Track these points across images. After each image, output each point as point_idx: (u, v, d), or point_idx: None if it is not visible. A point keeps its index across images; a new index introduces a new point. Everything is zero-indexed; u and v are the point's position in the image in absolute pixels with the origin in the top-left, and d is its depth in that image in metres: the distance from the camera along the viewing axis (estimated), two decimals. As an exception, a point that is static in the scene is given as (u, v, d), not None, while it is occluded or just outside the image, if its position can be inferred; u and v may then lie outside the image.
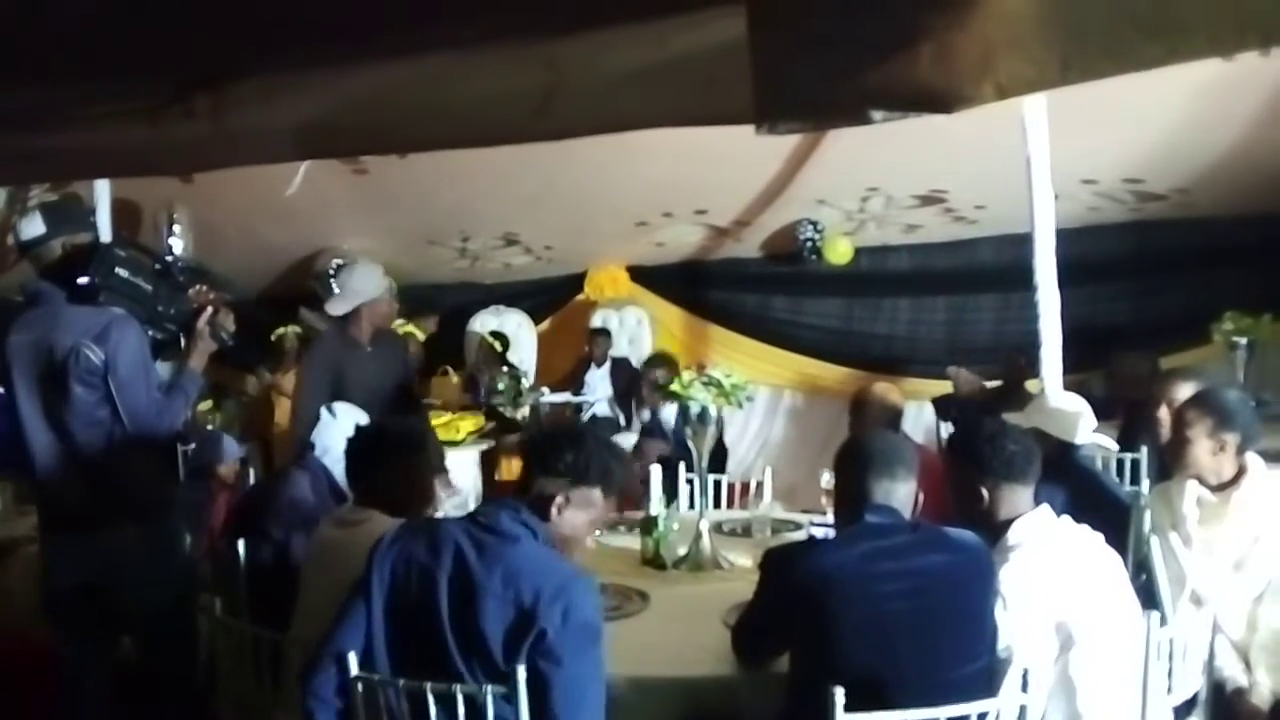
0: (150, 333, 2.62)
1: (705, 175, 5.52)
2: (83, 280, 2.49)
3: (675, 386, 2.85)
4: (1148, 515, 2.69)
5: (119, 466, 2.48)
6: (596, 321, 7.32)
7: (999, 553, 2.00)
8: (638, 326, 7.46)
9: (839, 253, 6.67)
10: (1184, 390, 3.12)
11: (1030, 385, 4.66)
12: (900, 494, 1.95)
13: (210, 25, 1.50)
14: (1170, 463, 2.67)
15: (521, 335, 7.35)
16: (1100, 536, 2.13)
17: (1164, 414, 3.21)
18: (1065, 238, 3.69)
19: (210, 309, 2.70)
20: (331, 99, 1.50)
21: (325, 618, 2.02)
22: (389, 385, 3.77)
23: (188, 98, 1.51)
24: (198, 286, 2.72)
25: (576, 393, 6.92)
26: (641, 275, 7.45)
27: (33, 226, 2.58)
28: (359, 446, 2.37)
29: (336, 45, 1.45)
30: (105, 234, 3.80)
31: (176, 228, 5.05)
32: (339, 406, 2.88)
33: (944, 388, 6.12)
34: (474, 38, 1.35)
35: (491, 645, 1.71)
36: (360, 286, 3.79)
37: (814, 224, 6.52)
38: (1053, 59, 1.03)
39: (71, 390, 2.45)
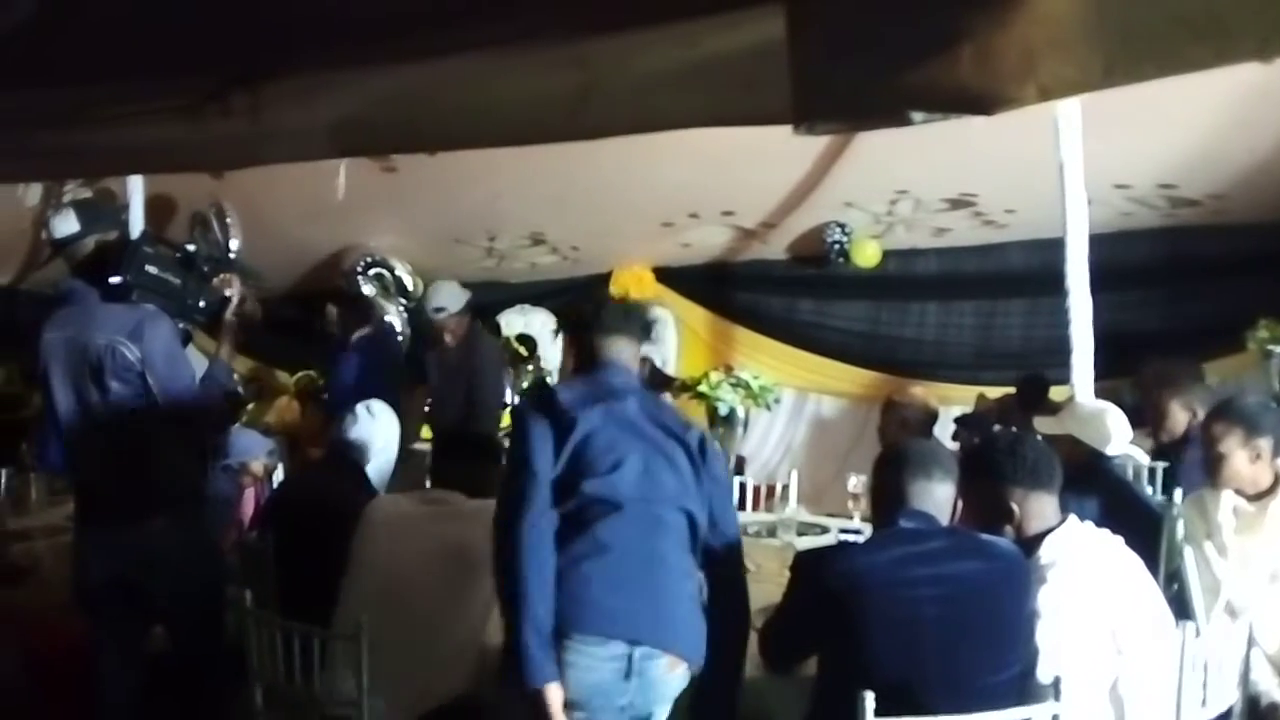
0: (180, 325, 2.65)
1: (732, 177, 5.51)
2: (115, 279, 2.53)
3: (703, 387, 2.84)
4: (1180, 525, 2.66)
5: (153, 459, 2.51)
6: (621, 322, 7.32)
7: (1033, 571, 1.96)
8: (663, 327, 7.45)
9: (866, 256, 6.63)
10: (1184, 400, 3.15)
11: (1057, 392, 4.61)
12: (937, 496, 1.93)
13: (247, 24, 1.51)
14: (1210, 480, 2.63)
15: (546, 335, 7.36)
16: (1120, 539, 2.10)
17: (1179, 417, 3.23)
18: (1097, 243, 3.66)
19: (237, 299, 2.73)
20: (367, 97, 1.50)
21: (420, 580, 2.19)
22: (459, 381, 4.46)
23: (225, 95, 1.52)
24: (222, 275, 2.76)
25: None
26: (667, 276, 7.44)
27: (66, 224, 2.62)
28: (443, 447, 2.80)
29: (371, 44, 1.46)
30: (137, 229, 3.86)
31: (229, 220, 5.19)
32: (375, 405, 2.90)
33: (971, 392, 6.07)
34: (509, 37, 1.35)
35: None
36: (441, 302, 4.67)
37: (842, 226, 6.49)
38: (1096, 60, 1.01)
39: (109, 386, 2.48)
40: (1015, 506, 2.04)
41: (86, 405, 2.53)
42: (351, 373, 5.33)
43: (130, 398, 2.50)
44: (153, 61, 1.61)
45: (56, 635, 3.04)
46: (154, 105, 1.64)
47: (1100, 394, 3.46)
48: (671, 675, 1.91)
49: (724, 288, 7.39)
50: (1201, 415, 3.31)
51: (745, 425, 3.00)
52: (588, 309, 2.21)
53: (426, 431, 6.63)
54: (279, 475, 4.20)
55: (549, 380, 6.37)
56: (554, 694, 1.78)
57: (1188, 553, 2.52)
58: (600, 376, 2.07)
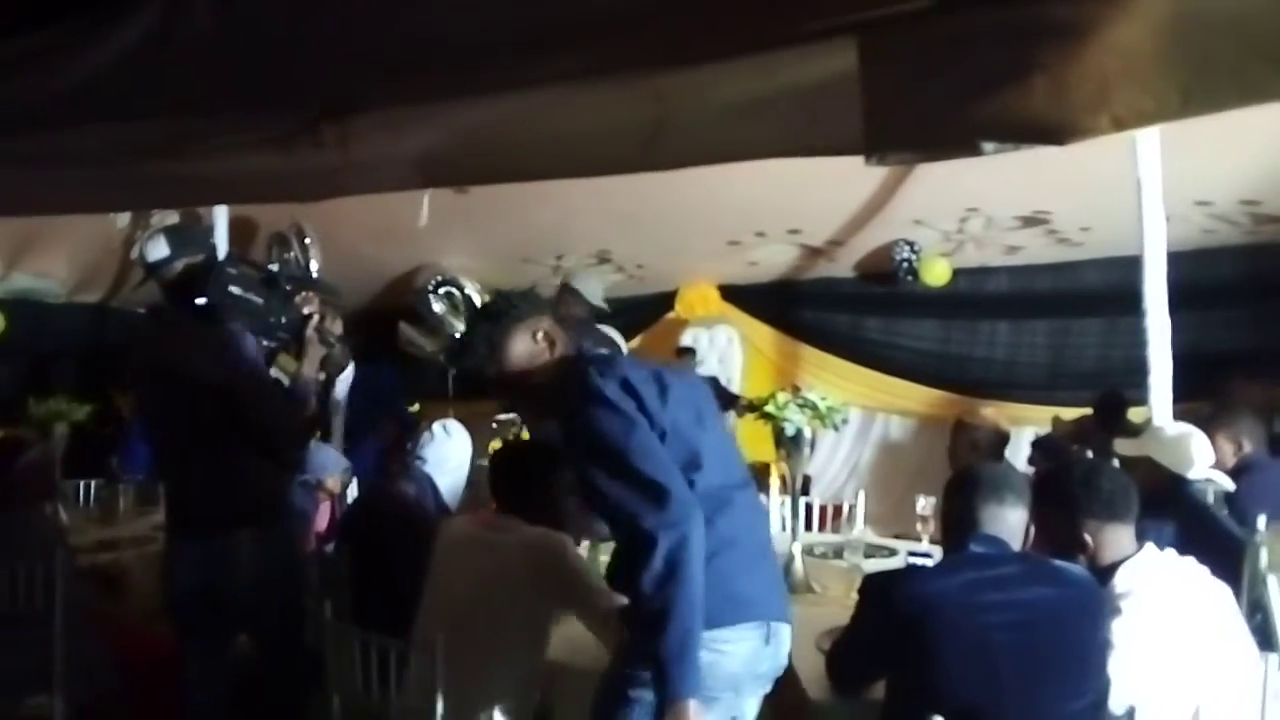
0: (264, 342, 2.75)
1: (800, 195, 5.51)
2: (200, 300, 2.64)
3: (770, 407, 2.85)
4: (1264, 552, 2.58)
5: (239, 475, 2.61)
6: (686, 340, 7.35)
7: (1108, 601, 1.93)
8: (728, 345, 7.46)
9: (936, 274, 6.56)
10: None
11: (1135, 414, 4.50)
12: (1009, 521, 1.91)
13: (337, 61, 1.59)
14: None
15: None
16: (1205, 569, 2.05)
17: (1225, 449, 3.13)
18: (1177, 261, 3.57)
19: (318, 316, 2.82)
20: (450, 130, 1.56)
21: (470, 605, 2.15)
22: None
23: (317, 129, 1.59)
24: (303, 293, 2.85)
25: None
26: (733, 294, 7.45)
27: (158, 249, 2.74)
28: (501, 461, 2.51)
29: (454, 79, 1.52)
30: (222, 251, 4.01)
31: (308, 241, 5.34)
32: (451, 424, 2.97)
33: (1045, 413, 5.96)
34: (586, 70, 1.40)
35: None
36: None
37: (910, 244, 6.44)
38: (1173, 91, 1.02)
39: (198, 404, 2.58)
40: (1089, 538, 2.00)
41: (176, 422, 2.64)
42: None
43: (217, 415, 2.60)
44: (248, 95, 1.70)
45: (145, 641, 3.17)
46: (249, 137, 1.73)
47: (1179, 416, 3.37)
48: (788, 637, 1.95)
49: (790, 306, 7.37)
50: (1248, 447, 3.23)
51: (812, 445, 2.97)
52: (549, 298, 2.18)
53: (493, 446, 6.74)
54: (353, 491, 4.30)
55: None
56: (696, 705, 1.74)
57: (1271, 581, 2.44)
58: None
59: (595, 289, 4.58)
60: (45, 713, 2.85)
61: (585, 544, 3.22)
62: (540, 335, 2.01)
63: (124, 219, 5.92)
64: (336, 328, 2.87)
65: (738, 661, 1.84)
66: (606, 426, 1.81)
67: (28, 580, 2.82)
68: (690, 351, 7.15)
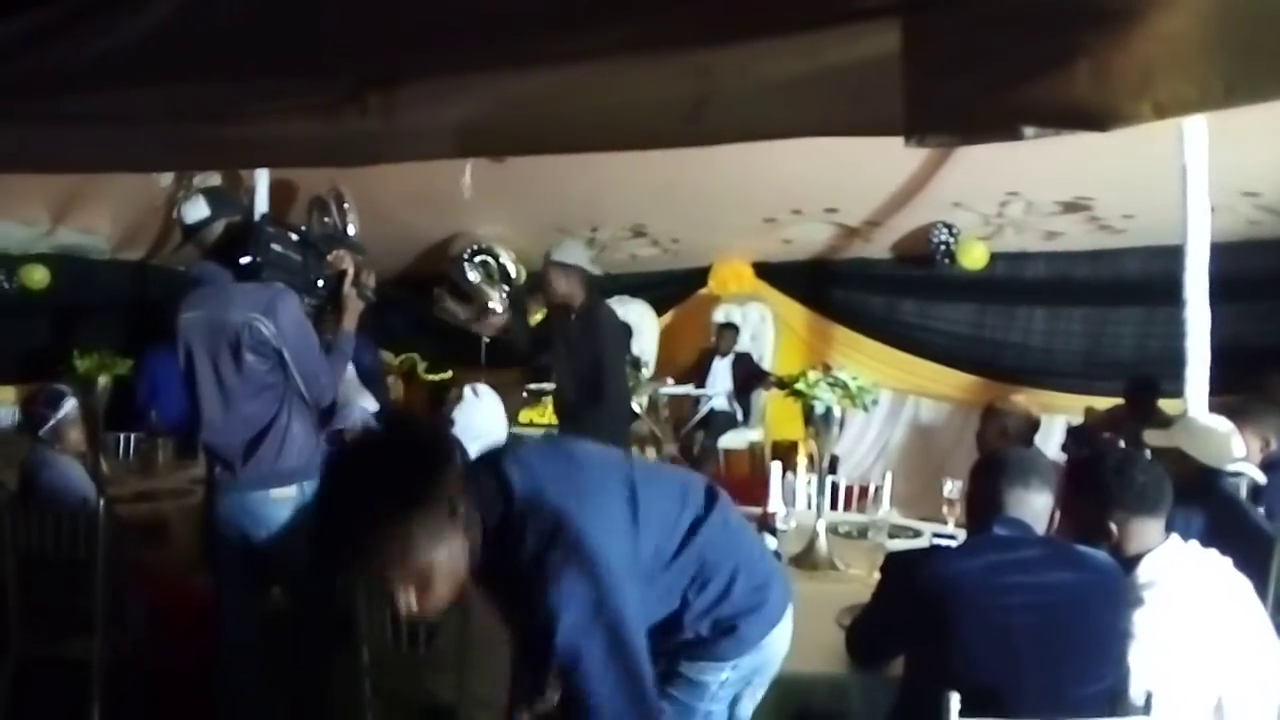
0: (305, 300, 2.80)
1: (838, 174, 5.47)
2: (245, 259, 2.69)
3: (800, 385, 2.86)
4: (1295, 548, 2.56)
5: (281, 431, 2.67)
6: (719, 316, 7.35)
7: (1130, 591, 1.93)
8: (761, 323, 7.45)
9: (973, 258, 6.50)
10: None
11: (1171, 406, 4.45)
12: (1034, 505, 1.92)
13: (383, 28, 1.61)
14: None
15: (644, 326, 7.44)
16: (1229, 561, 2.04)
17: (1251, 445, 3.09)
18: (1222, 252, 3.50)
19: (353, 272, 2.87)
20: (493, 101, 1.58)
21: None
22: (584, 356, 4.04)
23: (361, 96, 1.61)
24: (336, 252, 2.90)
25: (699, 385, 6.99)
26: (766, 272, 7.43)
27: (197, 210, 2.79)
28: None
29: (498, 51, 1.54)
30: (261, 212, 4.08)
31: (346, 206, 5.39)
32: (481, 387, 3.00)
33: (1078, 401, 5.91)
34: (630, 44, 1.41)
35: None
36: (559, 255, 4.21)
37: (949, 227, 6.38)
38: (1217, 80, 1.01)
39: (245, 360, 2.65)
40: (1115, 527, 2.00)
41: (223, 379, 2.70)
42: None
43: (265, 371, 2.67)
44: (294, 61, 1.72)
45: (181, 591, 3.27)
46: (295, 103, 1.76)
47: (1217, 409, 3.33)
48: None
49: (824, 285, 7.34)
50: (1275, 443, 3.19)
51: (841, 425, 2.98)
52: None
53: (524, 415, 6.81)
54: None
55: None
56: None
57: (1302, 578, 2.43)
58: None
59: (580, 259, 4.26)
60: (86, 656, 2.95)
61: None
62: (458, 511, 1.38)
63: (166, 179, 6.01)
64: (371, 281, 2.93)
65: (778, 647, 1.84)
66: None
67: (71, 528, 2.91)
68: (733, 328, 7.16)
